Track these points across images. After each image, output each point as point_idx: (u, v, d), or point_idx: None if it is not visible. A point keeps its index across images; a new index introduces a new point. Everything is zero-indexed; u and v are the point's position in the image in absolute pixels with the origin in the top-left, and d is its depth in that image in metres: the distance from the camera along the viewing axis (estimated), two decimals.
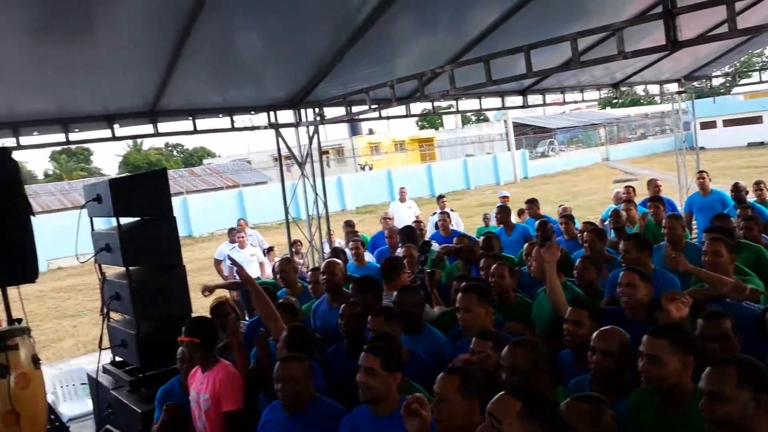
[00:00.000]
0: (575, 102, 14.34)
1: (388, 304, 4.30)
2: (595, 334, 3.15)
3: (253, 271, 9.55)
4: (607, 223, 7.71)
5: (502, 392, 2.20)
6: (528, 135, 48.89)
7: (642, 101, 58.14)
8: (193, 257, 19.21)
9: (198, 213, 27.08)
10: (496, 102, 10.38)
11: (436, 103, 9.35)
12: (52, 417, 4.99)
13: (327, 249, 9.19)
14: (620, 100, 46.69)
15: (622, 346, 3.07)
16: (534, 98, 10.63)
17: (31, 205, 4.57)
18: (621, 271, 4.03)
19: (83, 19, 4.67)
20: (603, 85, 11.41)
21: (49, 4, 4.42)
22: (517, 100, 10.21)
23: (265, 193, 29.92)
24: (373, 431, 3.05)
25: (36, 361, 4.15)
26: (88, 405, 6.66)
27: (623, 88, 11.56)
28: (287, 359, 3.45)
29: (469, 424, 2.54)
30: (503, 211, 7.91)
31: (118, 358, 5.64)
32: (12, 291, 4.78)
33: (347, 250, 7.52)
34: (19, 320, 4.66)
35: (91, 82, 5.80)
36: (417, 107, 9.38)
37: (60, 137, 6.34)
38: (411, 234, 7.09)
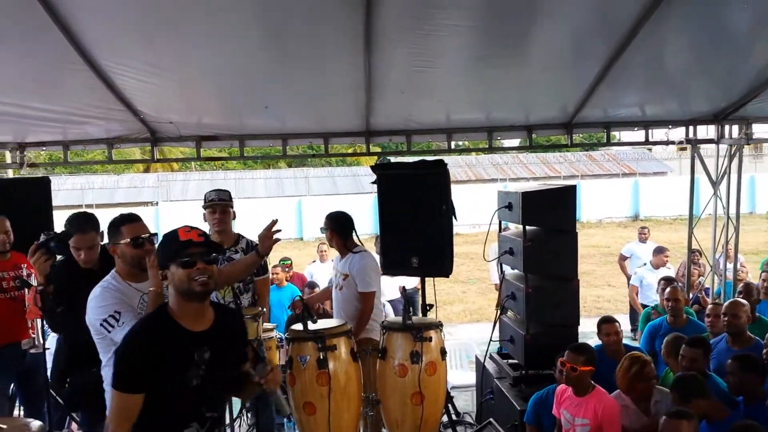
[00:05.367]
0: None
1: None
2: None
3: None
4: None
5: None
6: None
7: None
8: None
9: (590, 198, 26.83)
10: None
11: None
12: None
13: (722, 265, 8.06)
14: None
15: None
16: None
17: (455, 211, 5.19)
18: None
19: (520, 47, 5.11)
20: None
21: (493, 38, 4.97)
22: None
23: (663, 185, 28.18)
24: None
25: (443, 353, 4.64)
26: (470, 378, 7.06)
27: None
28: None
29: None
30: None
31: (504, 350, 6.07)
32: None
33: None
34: (431, 306, 5.38)
35: (516, 97, 6.32)
36: None
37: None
38: None
